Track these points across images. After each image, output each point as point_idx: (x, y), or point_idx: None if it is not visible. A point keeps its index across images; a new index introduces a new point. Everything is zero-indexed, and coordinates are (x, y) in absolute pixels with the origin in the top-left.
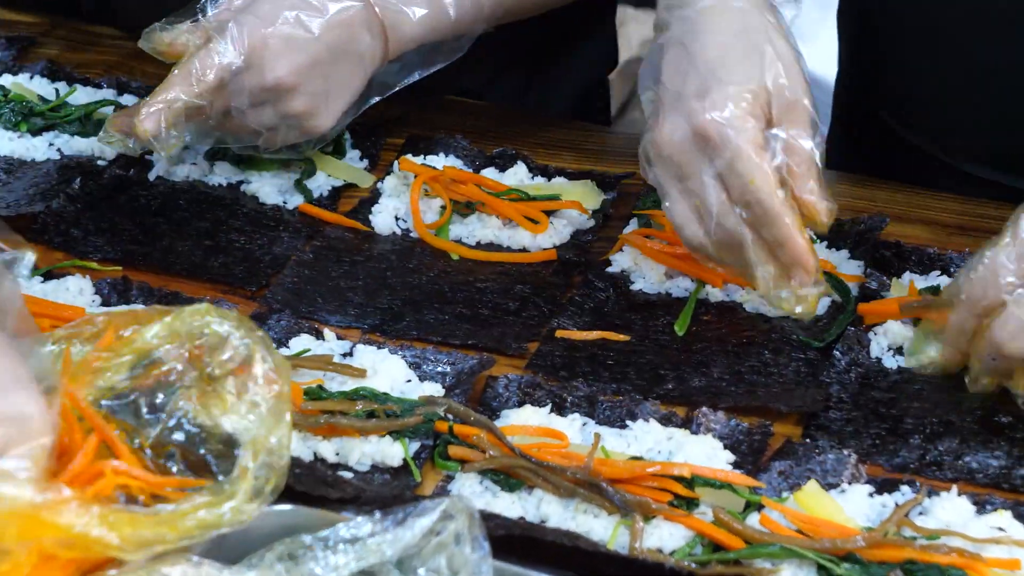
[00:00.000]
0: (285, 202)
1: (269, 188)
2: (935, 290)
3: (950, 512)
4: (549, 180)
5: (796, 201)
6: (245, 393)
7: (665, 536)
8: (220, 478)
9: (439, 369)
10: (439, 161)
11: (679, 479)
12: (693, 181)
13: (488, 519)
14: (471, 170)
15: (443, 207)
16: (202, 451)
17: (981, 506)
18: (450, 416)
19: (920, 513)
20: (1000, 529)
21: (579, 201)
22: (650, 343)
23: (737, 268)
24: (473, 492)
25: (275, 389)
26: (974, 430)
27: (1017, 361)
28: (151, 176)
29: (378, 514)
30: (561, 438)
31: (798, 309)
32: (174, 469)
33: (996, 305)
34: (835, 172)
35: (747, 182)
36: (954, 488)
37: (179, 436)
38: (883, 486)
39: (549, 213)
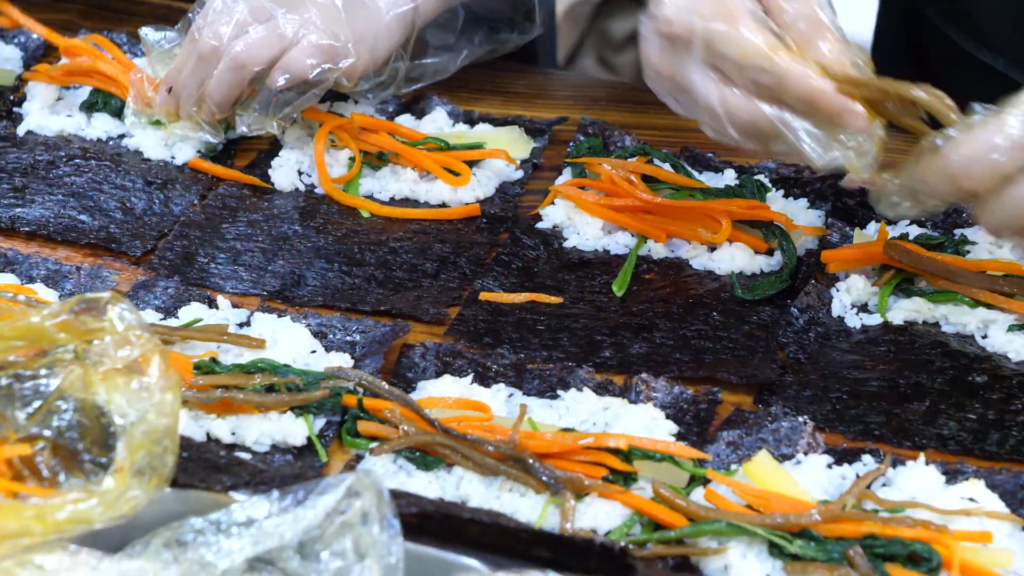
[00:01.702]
0: (173, 157)
1: (152, 141)
2: (904, 237)
3: (917, 483)
4: (472, 127)
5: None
6: (128, 381)
7: (600, 515)
8: (97, 471)
9: (347, 338)
10: (348, 108)
11: (615, 452)
12: (686, 87)
13: (399, 497)
14: (384, 118)
15: (352, 159)
16: (79, 443)
17: (951, 475)
18: (360, 389)
19: (884, 485)
20: (971, 500)
21: (505, 150)
22: (585, 305)
23: (789, 151)
24: (386, 471)
25: (158, 375)
26: (945, 392)
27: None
28: (20, 131)
29: (276, 493)
30: (484, 410)
31: (862, 163)
32: (43, 461)
33: None
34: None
35: (737, 57)
36: (921, 457)
37: (57, 425)
38: (843, 456)
39: (472, 164)
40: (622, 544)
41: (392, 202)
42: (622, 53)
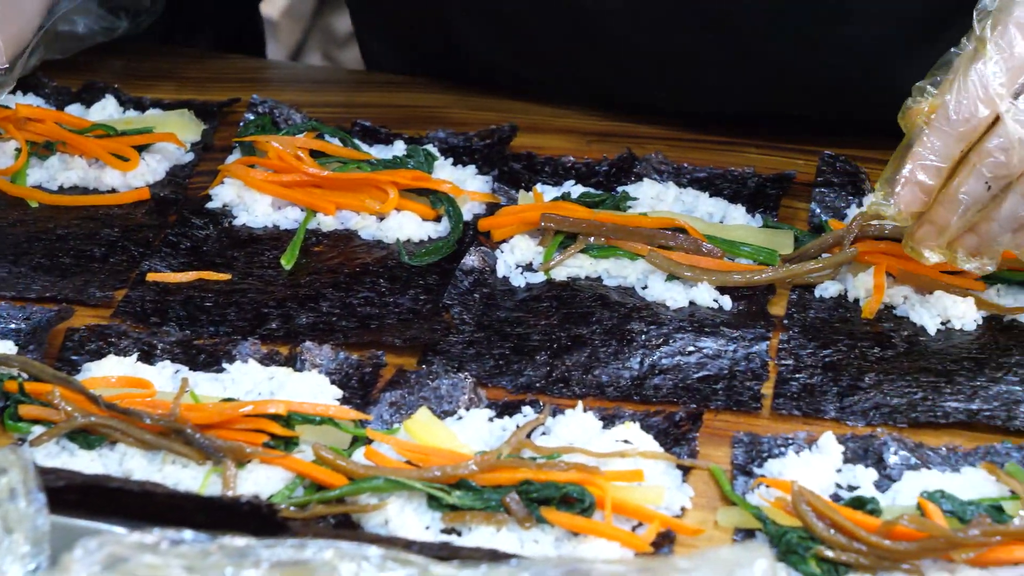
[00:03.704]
0: None
1: None
2: (566, 197)
3: (575, 430)
4: (143, 113)
5: None
6: None
7: (262, 480)
8: None
9: (12, 326)
10: (12, 100)
11: (276, 418)
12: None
13: (47, 473)
14: (54, 108)
15: (18, 150)
16: None
17: (609, 421)
18: (23, 374)
19: (544, 433)
20: (626, 442)
21: (174, 133)
22: (254, 280)
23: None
24: (48, 453)
25: None
26: (604, 341)
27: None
28: None
29: None
30: (146, 387)
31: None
32: None
33: (986, 122)
34: None
35: None
36: (580, 405)
37: None
38: (505, 409)
39: (141, 149)
40: (267, 503)
41: (62, 191)
42: (346, 49)
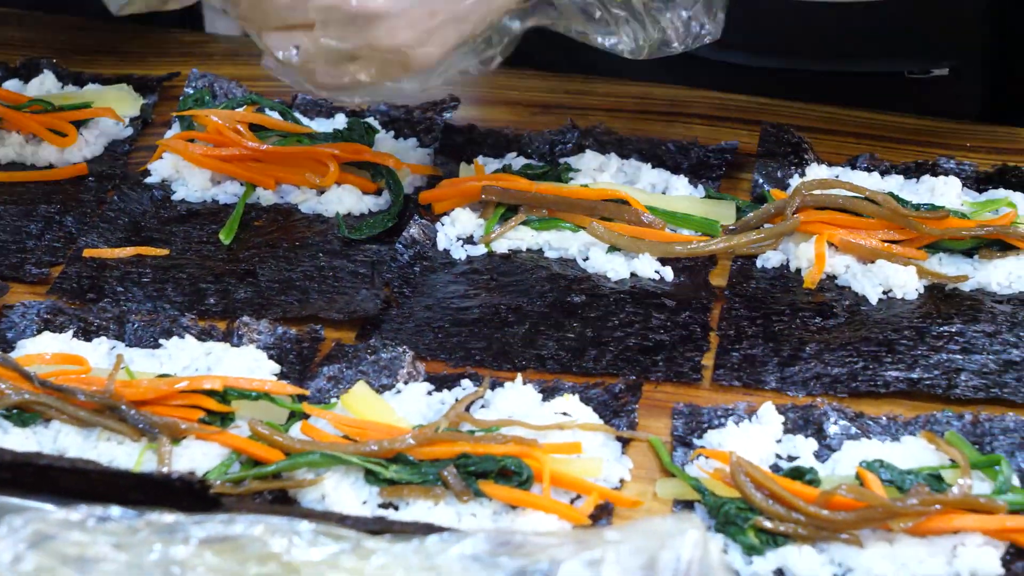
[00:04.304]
0: None
1: None
2: (507, 169)
3: (514, 403)
4: (82, 88)
5: None
6: None
7: (198, 456)
8: None
9: None
10: None
11: (212, 394)
12: None
13: None
14: None
15: None
16: None
17: (548, 393)
18: None
19: (483, 407)
20: (565, 414)
21: (112, 108)
22: (192, 255)
23: None
24: None
25: None
26: (545, 313)
27: None
28: None
29: None
30: (81, 363)
31: None
32: None
33: None
34: None
35: None
36: (519, 377)
37: None
38: (444, 382)
39: (80, 124)
40: (199, 478)
41: None
42: None
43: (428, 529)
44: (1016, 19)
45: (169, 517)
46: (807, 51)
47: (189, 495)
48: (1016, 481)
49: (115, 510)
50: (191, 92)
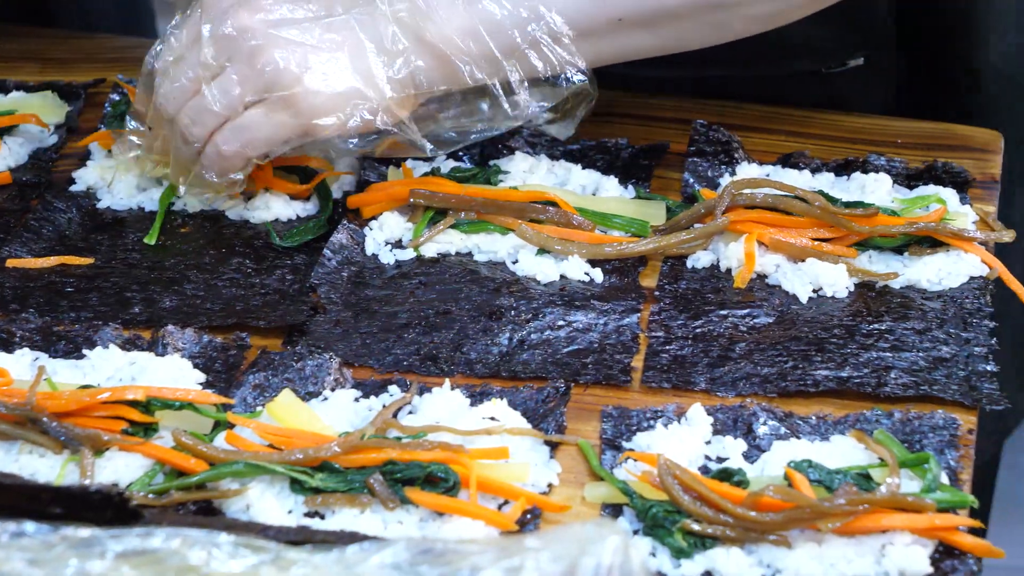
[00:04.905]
0: None
1: None
2: (436, 172)
3: (442, 408)
4: (6, 96)
5: None
6: None
7: (121, 468)
8: None
9: None
10: None
11: (135, 404)
12: None
13: None
14: None
15: None
16: None
17: (476, 398)
18: None
19: (411, 412)
20: (493, 419)
21: (36, 115)
22: (118, 264)
23: None
24: None
25: None
26: (473, 317)
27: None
28: None
29: None
30: (3, 375)
31: None
32: None
33: None
34: None
35: None
36: (447, 382)
37: None
38: (372, 389)
39: (3, 132)
40: (119, 490)
41: None
42: None
43: (351, 538)
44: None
45: (85, 531)
46: (721, 60)
47: (111, 508)
48: (945, 479)
49: (29, 526)
50: (117, 99)
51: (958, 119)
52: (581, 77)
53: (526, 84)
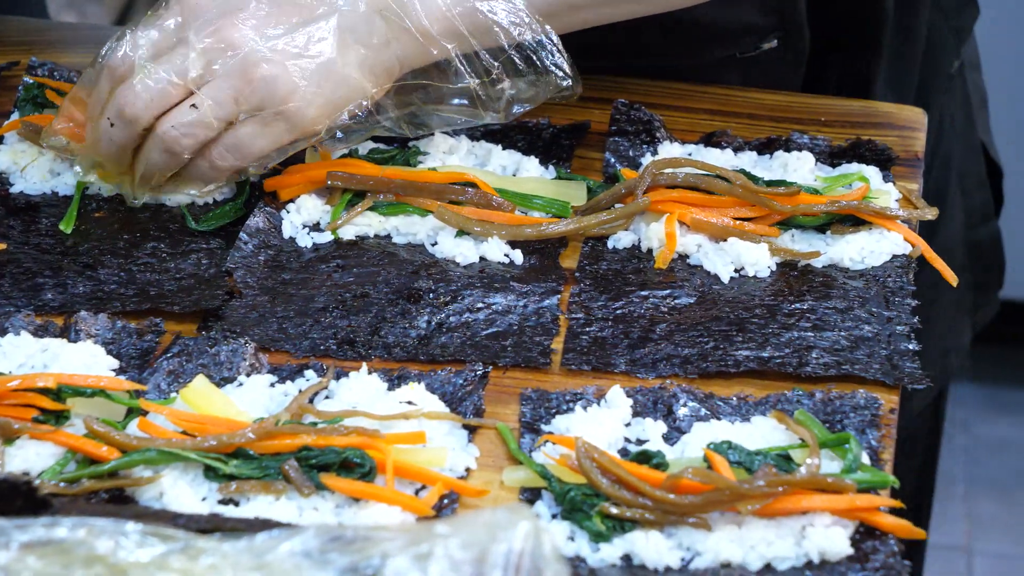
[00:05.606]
0: None
1: None
2: (354, 153)
3: (359, 393)
4: None
5: None
6: None
7: (32, 456)
8: None
9: None
10: None
11: (45, 392)
12: None
13: None
14: None
15: None
16: None
17: (395, 382)
18: None
19: (327, 397)
20: (410, 403)
21: None
22: (30, 249)
23: None
24: None
25: None
26: (392, 300)
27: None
28: None
29: None
30: None
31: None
32: None
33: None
34: None
35: None
36: (364, 367)
37: None
38: (288, 374)
39: None
40: (25, 479)
41: None
42: None
43: (262, 525)
44: None
45: None
46: (638, 51)
47: (19, 497)
48: (866, 459)
49: None
50: (30, 82)
51: (868, 98)
52: (568, 82)
53: (510, 84)
